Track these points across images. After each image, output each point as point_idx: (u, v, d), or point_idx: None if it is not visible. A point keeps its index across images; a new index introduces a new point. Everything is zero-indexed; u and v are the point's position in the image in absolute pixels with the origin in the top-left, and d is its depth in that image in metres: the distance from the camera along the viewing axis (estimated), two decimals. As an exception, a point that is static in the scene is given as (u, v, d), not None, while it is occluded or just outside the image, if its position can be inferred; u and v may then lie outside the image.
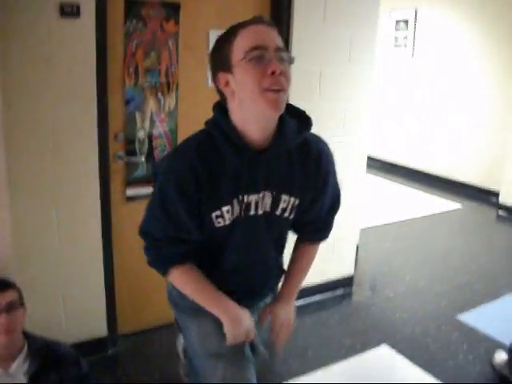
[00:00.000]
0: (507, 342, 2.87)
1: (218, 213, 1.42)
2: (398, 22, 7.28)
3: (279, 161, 1.45)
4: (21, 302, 1.85)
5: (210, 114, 2.99)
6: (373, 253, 4.54)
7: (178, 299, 1.68)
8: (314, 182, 1.53)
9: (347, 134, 3.37)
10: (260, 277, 1.67)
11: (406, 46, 7.26)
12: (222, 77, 1.37)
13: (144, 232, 1.51)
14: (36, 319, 2.13)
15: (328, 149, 1.58)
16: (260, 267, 1.63)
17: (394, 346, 3.02)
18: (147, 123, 2.67)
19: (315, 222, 1.66)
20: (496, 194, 6.06)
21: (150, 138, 2.70)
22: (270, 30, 1.34)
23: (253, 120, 1.37)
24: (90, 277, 2.64)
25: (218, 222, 1.44)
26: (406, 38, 7.23)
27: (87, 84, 2.40)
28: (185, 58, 2.71)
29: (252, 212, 1.46)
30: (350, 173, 3.41)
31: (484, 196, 6.34)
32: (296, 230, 1.70)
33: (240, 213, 1.45)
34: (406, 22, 7.16)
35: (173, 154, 1.49)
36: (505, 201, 5.89)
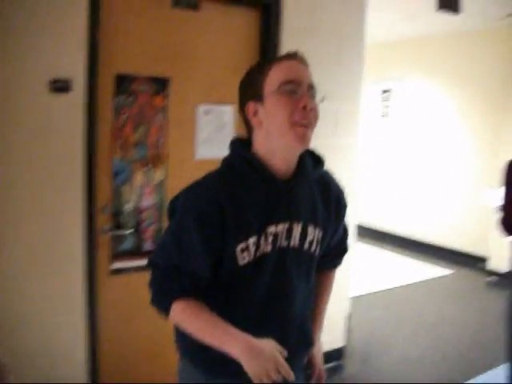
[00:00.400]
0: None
1: (243, 245, 1.34)
2: (384, 91, 7.52)
3: (303, 192, 1.45)
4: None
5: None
6: (364, 322, 4.47)
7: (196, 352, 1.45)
8: (334, 216, 1.55)
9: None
10: (292, 327, 1.50)
11: (388, 115, 7.46)
12: (252, 106, 1.38)
13: (152, 262, 1.43)
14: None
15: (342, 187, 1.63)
16: (292, 314, 1.49)
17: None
18: (135, 196, 2.67)
19: (335, 250, 1.68)
20: (485, 260, 6.07)
21: (138, 210, 2.69)
22: (303, 66, 1.38)
23: (278, 152, 1.37)
24: (72, 352, 2.54)
25: (243, 258, 1.35)
26: (387, 107, 7.45)
27: (74, 157, 2.42)
28: (173, 131, 2.75)
29: (281, 244, 1.41)
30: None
31: (473, 262, 6.33)
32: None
33: (268, 245, 1.38)
34: (389, 91, 7.39)
35: (193, 187, 1.41)
36: (493, 267, 5.89)
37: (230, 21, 2.89)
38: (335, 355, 3.62)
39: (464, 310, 4.89)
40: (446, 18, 5.23)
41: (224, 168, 1.44)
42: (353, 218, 3.55)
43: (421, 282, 5.72)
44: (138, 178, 2.67)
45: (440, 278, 5.91)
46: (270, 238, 1.38)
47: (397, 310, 4.80)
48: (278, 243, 1.40)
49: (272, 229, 1.38)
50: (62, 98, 2.34)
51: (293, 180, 1.40)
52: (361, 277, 5.35)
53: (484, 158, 6.25)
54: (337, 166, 3.30)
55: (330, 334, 3.56)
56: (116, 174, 2.61)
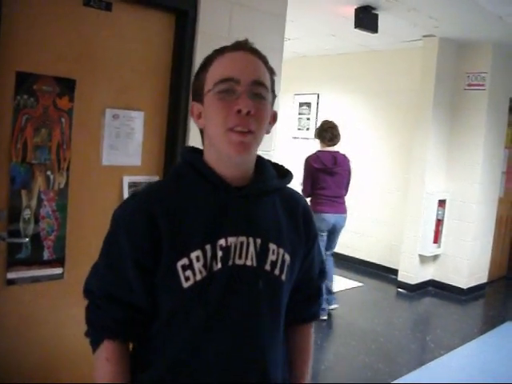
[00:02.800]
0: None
1: (184, 261, 1.13)
2: (301, 104, 7.64)
3: (262, 206, 1.23)
4: None
5: (102, 193, 2.88)
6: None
7: None
8: (304, 239, 1.30)
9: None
10: (252, 369, 1.20)
11: (308, 128, 7.60)
12: (195, 107, 1.25)
13: (86, 290, 1.24)
14: None
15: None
16: (252, 351, 1.19)
17: None
18: (34, 202, 2.52)
19: (306, 288, 1.39)
20: (395, 272, 6.27)
21: (37, 217, 2.54)
22: (250, 58, 1.18)
23: (222, 159, 1.19)
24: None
25: (187, 279, 1.13)
26: (308, 119, 7.58)
27: (-33, 159, 2.25)
28: (78, 135, 2.62)
29: (234, 262, 1.16)
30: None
31: (384, 274, 6.54)
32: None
33: (217, 262, 1.15)
34: (309, 104, 7.53)
35: (129, 198, 1.25)
36: (403, 278, 6.09)
37: (144, 25, 2.80)
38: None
39: (374, 321, 5.01)
40: (364, 36, 5.42)
41: (168, 177, 1.30)
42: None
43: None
44: (38, 183, 2.52)
45: (353, 289, 6.03)
46: (220, 254, 1.15)
47: (309, 321, 4.84)
48: (231, 260, 1.16)
49: (221, 242, 1.15)
50: (-46, 95, 2.18)
51: (246, 189, 1.20)
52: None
53: (396, 174, 6.49)
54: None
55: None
56: (14, 178, 2.45)
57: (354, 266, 6.86)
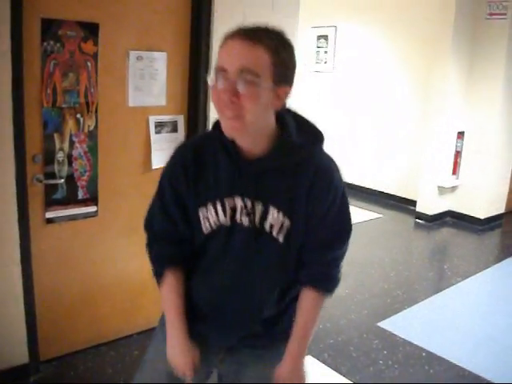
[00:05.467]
0: (424, 346, 3.03)
1: (204, 211, 1.38)
2: (319, 37, 7.54)
3: (271, 174, 1.36)
4: None
5: (130, 133, 3.00)
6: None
7: None
8: (304, 202, 1.37)
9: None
10: (240, 308, 1.47)
11: (326, 61, 7.52)
12: None
13: (146, 225, 1.53)
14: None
15: (335, 173, 1.42)
16: (242, 296, 1.46)
17: (318, 356, 3.12)
18: (66, 144, 2.64)
19: (314, 259, 1.44)
20: (414, 203, 6.37)
21: (70, 159, 2.66)
22: (241, 45, 1.22)
23: None
24: (8, 302, 2.55)
25: (206, 228, 1.39)
26: (326, 52, 7.49)
27: (2, 106, 2.35)
28: (104, 78, 2.70)
29: (238, 219, 1.37)
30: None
31: (403, 205, 6.64)
32: (297, 270, 1.46)
33: (227, 217, 1.37)
34: (326, 37, 7.42)
35: (174, 150, 1.48)
36: (421, 209, 6.20)
37: (162, -36, 2.81)
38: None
39: (392, 250, 5.16)
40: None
41: (206, 134, 1.50)
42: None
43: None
44: (69, 126, 2.63)
45: (371, 220, 6.17)
46: (228, 211, 1.37)
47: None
48: (237, 218, 1.37)
49: (230, 201, 1.37)
50: (-14, 44, 2.26)
51: (256, 162, 1.34)
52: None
53: (415, 105, 6.46)
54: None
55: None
56: (46, 123, 2.56)
57: (373, 197, 6.96)
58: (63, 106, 2.59)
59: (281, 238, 1.38)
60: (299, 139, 1.37)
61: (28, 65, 2.42)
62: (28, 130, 2.47)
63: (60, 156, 2.63)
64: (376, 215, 6.35)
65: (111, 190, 2.83)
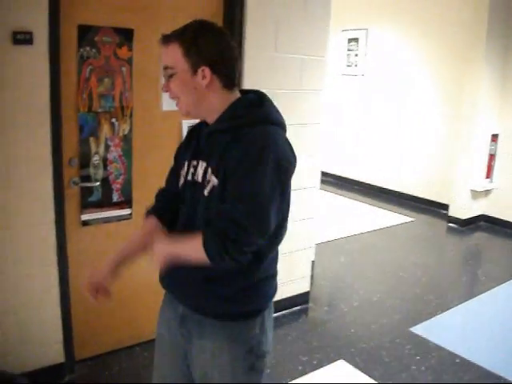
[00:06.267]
0: (457, 352, 2.98)
1: (181, 170, 1.65)
2: (349, 40, 7.51)
3: (217, 139, 1.52)
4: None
5: (163, 137, 3.02)
6: (327, 267, 4.63)
7: None
8: (227, 163, 1.46)
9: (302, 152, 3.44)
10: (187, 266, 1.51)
11: (356, 65, 7.49)
12: None
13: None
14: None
15: (259, 142, 1.44)
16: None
17: (350, 360, 3.10)
18: (102, 148, 2.69)
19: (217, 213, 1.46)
20: (446, 207, 6.29)
21: (105, 162, 2.72)
22: (161, 50, 1.53)
23: None
24: (45, 302, 2.61)
25: (180, 185, 1.64)
26: (357, 55, 7.46)
27: (41, 110, 2.41)
28: (138, 82, 2.75)
29: (195, 177, 1.57)
30: (304, 187, 3.52)
31: (435, 209, 6.56)
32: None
33: (189, 175, 1.60)
34: (357, 40, 7.39)
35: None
36: (454, 213, 6.11)
37: (194, -30, 2.85)
38: (301, 299, 3.78)
39: (425, 255, 5.10)
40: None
41: None
42: (317, 164, 3.66)
43: (384, 228, 5.91)
44: (105, 130, 2.68)
45: (403, 224, 6.11)
46: (191, 170, 1.59)
47: (359, 256, 4.98)
48: (196, 176, 1.57)
49: (194, 162, 1.59)
50: (26, 50, 2.31)
51: (207, 127, 1.58)
52: (325, 224, 5.50)
53: (448, 108, 6.38)
54: (302, 115, 3.40)
55: (297, 278, 3.72)
56: (82, 127, 2.61)
57: (405, 201, 6.90)
58: (99, 110, 2.64)
59: (206, 192, 1.52)
60: (245, 113, 1.52)
61: (65, 70, 2.48)
62: (64, 135, 2.53)
63: (95, 159, 2.69)
64: (408, 219, 6.28)
65: (144, 193, 2.86)
